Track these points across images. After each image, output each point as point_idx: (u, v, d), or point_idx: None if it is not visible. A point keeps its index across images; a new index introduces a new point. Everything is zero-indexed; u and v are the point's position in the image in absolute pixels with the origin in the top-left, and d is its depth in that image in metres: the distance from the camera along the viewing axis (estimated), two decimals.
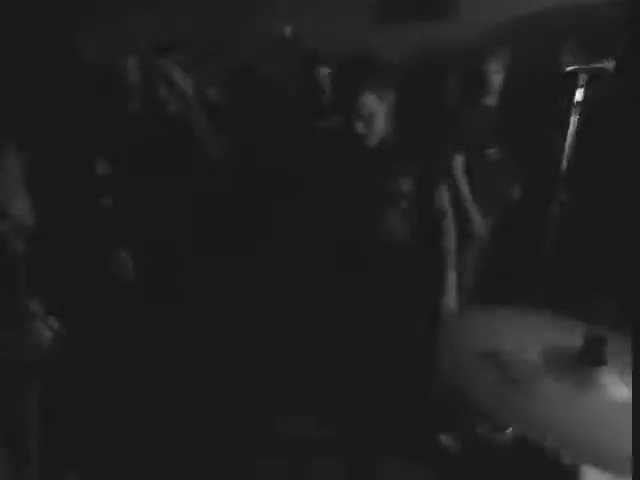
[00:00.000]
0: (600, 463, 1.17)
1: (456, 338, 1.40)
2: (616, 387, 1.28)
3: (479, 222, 3.51)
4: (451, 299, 2.27)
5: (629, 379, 1.29)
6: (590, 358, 1.31)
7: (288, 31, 4.05)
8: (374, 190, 2.19)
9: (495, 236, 3.50)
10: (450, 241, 2.32)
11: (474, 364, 1.31)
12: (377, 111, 2.20)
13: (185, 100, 2.72)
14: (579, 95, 2.34)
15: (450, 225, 2.33)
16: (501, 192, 3.51)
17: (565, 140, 2.43)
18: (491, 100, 3.48)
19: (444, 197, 2.33)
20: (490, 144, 3.45)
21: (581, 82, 2.32)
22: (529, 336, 1.41)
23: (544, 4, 3.81)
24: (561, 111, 2.56)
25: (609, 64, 2.39)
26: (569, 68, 2.33)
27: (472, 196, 3.49)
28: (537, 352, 1.34)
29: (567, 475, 1.59)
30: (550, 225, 2.44)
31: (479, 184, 3.47)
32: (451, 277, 2.29)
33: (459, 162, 3.48)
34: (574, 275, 2.61)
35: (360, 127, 2.18)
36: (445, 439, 2.49)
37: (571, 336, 1.34)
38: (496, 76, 3.41)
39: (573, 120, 2.37)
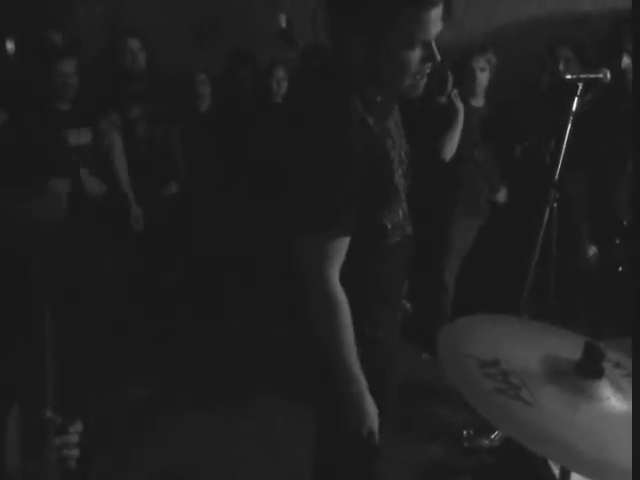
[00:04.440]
0: (586, 470, 1.19)
1: (457, 346, 1.40)
2: (613, 400, 1.30)
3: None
4: None
5: (626, 392, 1.31)
6: (588, 370, 1.32)
7: (284, 20, 4.01)
8: None
9: (488, 242, 3.52)
10: None
11: (474, 372, 1.32)
12: None
13: None
14: (575, 104, 2.36)
15: None
16: (485, 195, 3.54)
17: (558, 146, 2.47)
18: (478, 102, 3.49)
19: None
20: (476, 146, 3.47)
21: (577, 91, 2.35)
22: (529, 346, 1.42)
23: (534, 12, 3.84)
24: (555, 118, 2.60)
25: (605, 74, 2.43)
26: (568, 77, 2.36)
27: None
28: (537, 362, 1.36)
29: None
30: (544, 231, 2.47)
31: (465, 185, 3.49)
32: None
33: None
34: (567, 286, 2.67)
35: None
36: None
37: (571, 347, 1.36)
38: (483, 75, 3.41)
39: (569, 127, 2.40)
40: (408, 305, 1.88)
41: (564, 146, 2.39)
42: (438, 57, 1.39)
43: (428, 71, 1.43)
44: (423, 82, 1.45)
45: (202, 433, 2.88)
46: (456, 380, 1.30)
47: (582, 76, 2.35)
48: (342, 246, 1.47)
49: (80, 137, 3.32)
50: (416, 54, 1.37)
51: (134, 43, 3.54)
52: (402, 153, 1.61)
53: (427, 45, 1.37)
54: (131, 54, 3.52)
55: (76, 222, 2.53)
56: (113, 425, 2.79)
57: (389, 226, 1.56)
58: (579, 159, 2.67)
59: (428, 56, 1.39)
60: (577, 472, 1.30)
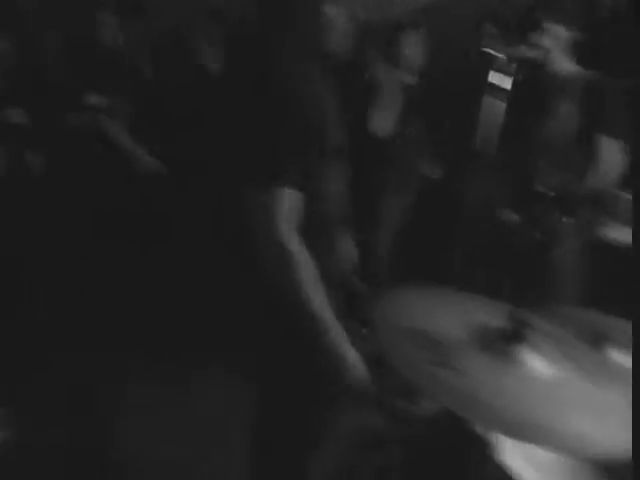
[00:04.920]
0: (514, 433, 1.25)
1: (389, 317, 1.44)
2: (536, 364, 1.37)
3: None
4: None
5: (548, 356, 1.38)
6: (512, 336, 1.38)
7: None
8: None
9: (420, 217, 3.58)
10: None
11: (406, 342, 1.35)
12: None
13: None
14: (501, 80, 2.42)
15: None
16: (419, 171, 3.59)
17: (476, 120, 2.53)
18: (409, 79, 3.53)
19: None
20: (408, 123, 3.50)
21: (510, 70, 2.41)
22: (457, 315, 1.47)
23: None
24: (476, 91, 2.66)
25: (538, 53, 2.49)
26: (490, 52, 2.41)
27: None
28: (465, 331, 1.41)
29: (482, 444, 1.69)
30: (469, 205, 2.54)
31: (396, 163, 3.53)
32: None
33: None
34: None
35: None
36: None
37: (496, 316, 1.42)
38: (414, 51, 3.44)
39: (486, 100, 2.45)
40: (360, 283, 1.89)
41: (485, 120, 2.46)
42: (361, 16, 1.55)
43: (352, 32, 1.53)
44: (348, 42, 1.54)
45: (150, 420, 2.83)
46: (388, 350, 1.34)
47: (506, 53, 2.42)
48: (292, 199, 1.47)
49: (17, 116, 3.21)
50: (334, 11, 1.48)
51: (110, 19, 3.47)
52: (337, 115, 1.64)
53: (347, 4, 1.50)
54: (111, 31, 3.48)
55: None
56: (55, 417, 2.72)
57: (331, 193, 1.59)
58: (512, 133, 2.74)
59: (350, 16, 1.51)
60: (504, 435, 1.36)
